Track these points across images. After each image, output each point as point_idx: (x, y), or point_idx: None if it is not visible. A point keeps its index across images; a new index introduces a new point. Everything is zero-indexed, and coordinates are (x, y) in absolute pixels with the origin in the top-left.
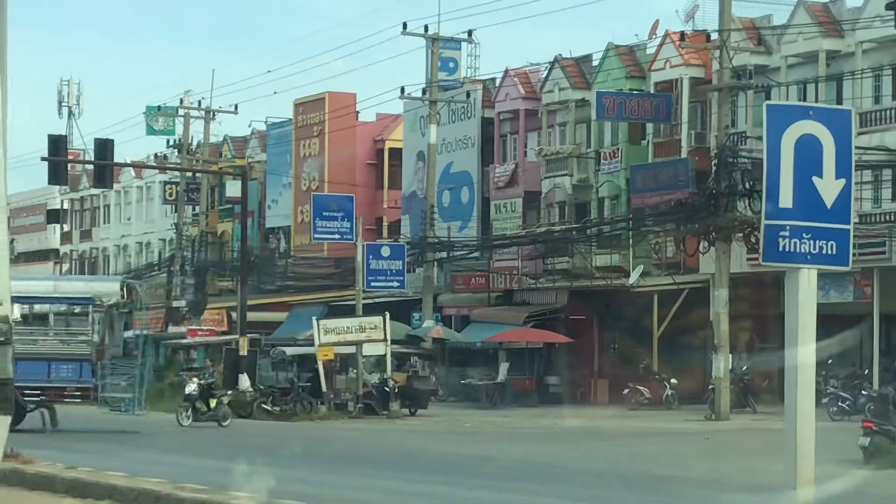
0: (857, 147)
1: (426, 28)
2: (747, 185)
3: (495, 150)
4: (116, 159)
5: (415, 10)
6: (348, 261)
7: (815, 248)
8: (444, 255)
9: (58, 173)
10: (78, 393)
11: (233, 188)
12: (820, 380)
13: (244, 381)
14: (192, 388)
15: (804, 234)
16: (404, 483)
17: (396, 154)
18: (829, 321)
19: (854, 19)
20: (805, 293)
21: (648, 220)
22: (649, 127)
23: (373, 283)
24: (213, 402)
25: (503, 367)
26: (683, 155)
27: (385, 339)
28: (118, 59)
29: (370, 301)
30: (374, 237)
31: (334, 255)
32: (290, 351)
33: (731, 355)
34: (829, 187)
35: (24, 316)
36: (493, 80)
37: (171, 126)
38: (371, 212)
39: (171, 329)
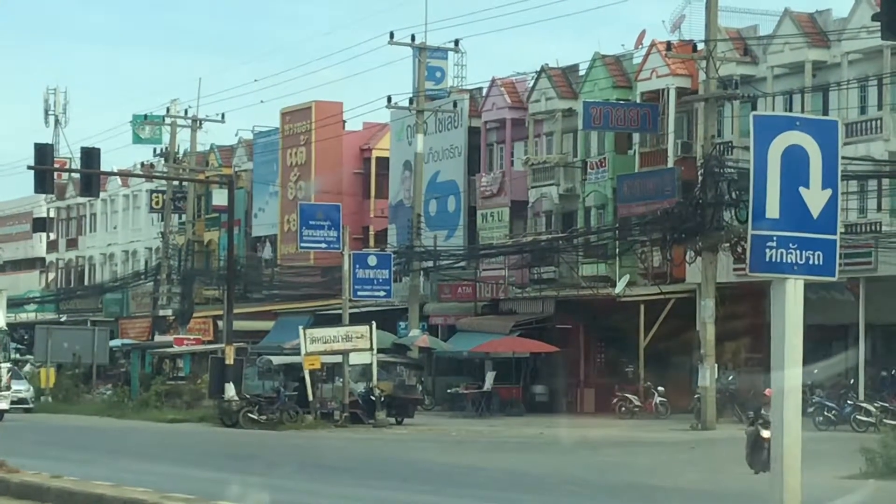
0: (842, 157)
1: (413, 37)
2: (733, 195)
3: (482, 159)
4: (103, 168)
5: (401, 19)
6: (335, 270)
7: (801, 259)
8: (430, 264)
9: (44, 182)
10: None
11: (219, 197)
12: (806, 389)
13: (230, 390)
14: None
15: (791, 245)
16: (390, 492)
17: (383, 163)
18: (816, 330)
19: (840, 30)
20: (791, 303)
21: (635, 229)
22: (636, 136)
23: (359, 293)
24: None
25: (489, 377)
26: (670, 165)
27: (371, 349)
28: (105, 67)
29: (357, 310)
30: (361, 246)
31: (321, 264)
32: (276, 360)
33: (717, 365)
34: (815, 198)
35: None
36: (480, 89)
37: (157, 135)
38: (358, 221)
39: (158, 338)
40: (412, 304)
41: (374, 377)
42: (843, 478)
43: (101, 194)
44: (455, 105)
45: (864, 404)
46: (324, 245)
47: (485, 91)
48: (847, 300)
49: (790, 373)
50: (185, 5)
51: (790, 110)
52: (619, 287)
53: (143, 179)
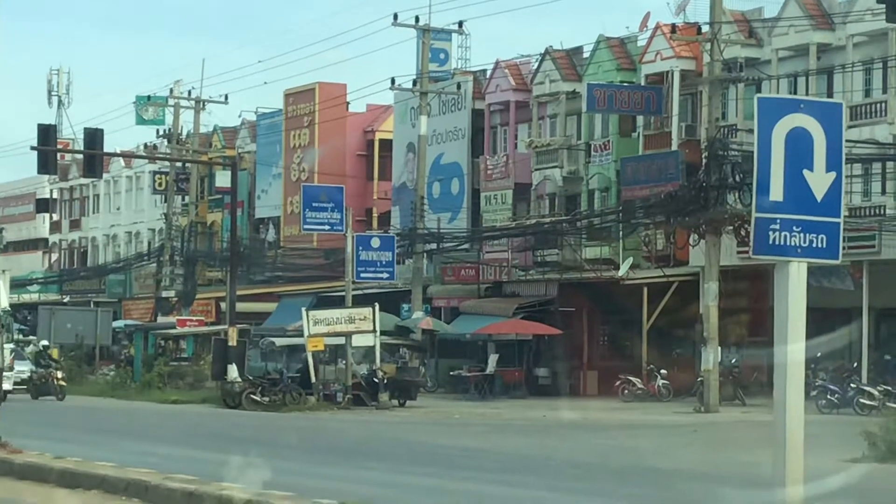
0: (847, 140)
1: (417, 19)
2: (737, 178)
3: (486, 141)
4: (106, 149)
5: (405, 1)
6: (338, 252)
7: (805, 242)
8: (433, 246)
9: (47, 163)
10: None
11: (222, 178)
12: (809, 373)
13: (233, 372)
14: None
15: (794, 228)
16: (393, 475)
17: (387, 145)
18: (819, 314)
19: (845, 12)
20: (795, 286)
21: (638, 212)
22: (640, 119)
23: (362, 275)
24: None
25: (492, 359)
26: (674, 147)
27: (374, 331)
28: (108, 48)
29: (359, 292)
30: (364, 228)
31: (324, 246)
32: (279, 341)
33: (720, 348)
34: (819, 180)
35: None
36: (484, 71)
37: (160, 116)
38: (361, 203)
39: (161, 319)
40: (415, 286)
41: (378, 359)
42: (846, 461)
43: (105, 175)
44: (459, 87)
45: (867, 388)
46: (327, 227)
47: (489, 73)
48: (848, 289)
49: (793, 356)
50: None
51: (795, 93)
52: (623, 270)
53: (147, 161)
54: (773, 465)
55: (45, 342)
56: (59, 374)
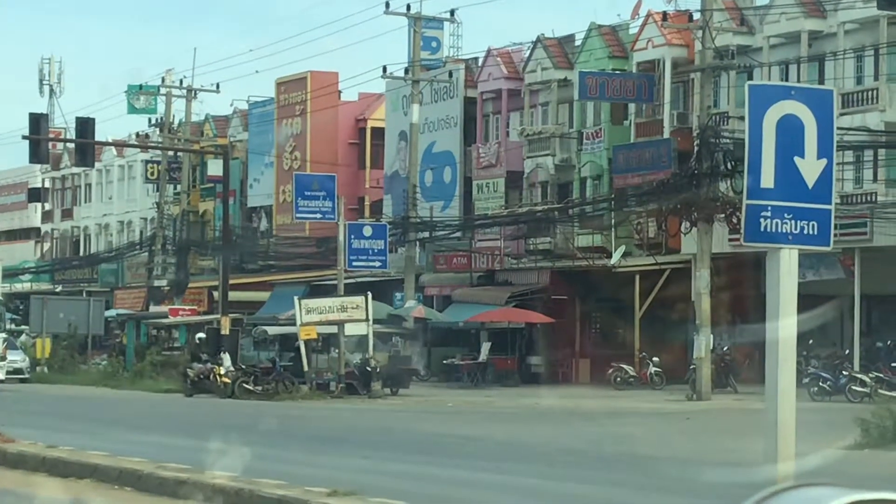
0: (838, 128)
1: (408, 7)
2: (729, 166)
3: (478, 129)
4: (98, 138)
5: None
6: (330, 240)
7: (796, 229)
8: (426, 234)
9: (39, 152)
10: None
11: (214, 167)
12: (801, 360)
13: (226, 361)
14: None
15: (785, 215)
16: (385, 463)
17: (379, 133)
18: (810, 301)
19: (836, 0)
20: (786, 273)
21: (630, 200)
22: (632, 107)
23: (355, 263)
24: None
25: (485, 347)
26: (666, 135)
27: (367, 319)
28: (100, 37)
29: (352, 281)
30: (356, 217)
31: (316, 235)
32: (271, 330)
33: (712, 336)
34: (810, 167)
35: None
36: (476, 59)
37: (152, 105)
38: (353, 191)
39: (153, 308)
40: (408, 274)
41: (370, 348)
42: (838, 448)
43: (97, 164)
44: (451, 75)
45: (859, 375)
46: (319, 215)
47: (481, 61)
48: (838, 278)
49: (785, 342)
50: None
51: (786, 80)
52: (615, 258)
53: (139, 150)
54: (764, 444)
55: (202, 335)
56: (222, 371)
